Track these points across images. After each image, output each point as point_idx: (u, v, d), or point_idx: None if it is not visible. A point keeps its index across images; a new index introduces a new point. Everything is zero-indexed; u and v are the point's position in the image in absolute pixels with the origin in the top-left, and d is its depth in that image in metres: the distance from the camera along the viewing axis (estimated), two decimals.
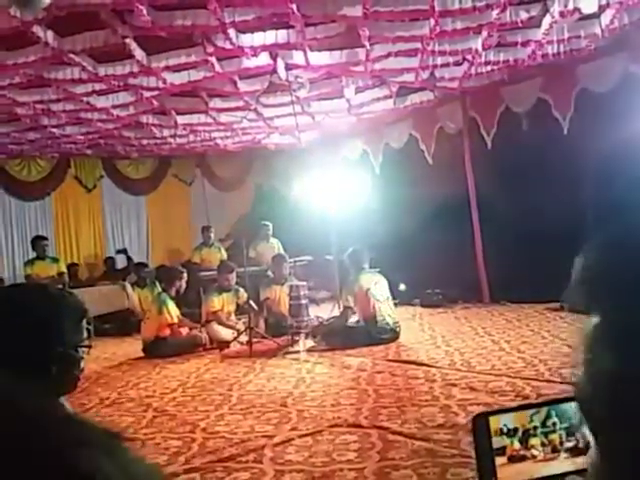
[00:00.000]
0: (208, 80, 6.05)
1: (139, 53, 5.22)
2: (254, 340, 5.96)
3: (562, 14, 4.91)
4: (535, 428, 0.88)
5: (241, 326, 6.48)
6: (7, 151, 8.73)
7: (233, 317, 6.80)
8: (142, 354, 6.22)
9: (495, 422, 0.86)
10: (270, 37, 5.13)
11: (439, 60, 5.97)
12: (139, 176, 10.54)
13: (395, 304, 6.40)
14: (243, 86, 6.45)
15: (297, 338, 6.04)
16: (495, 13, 4.82)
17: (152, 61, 5.46)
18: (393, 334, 5.84)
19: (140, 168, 10.52)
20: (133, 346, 6.71)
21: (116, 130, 7.96)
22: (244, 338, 6.15)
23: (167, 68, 5.64)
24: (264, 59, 5.62)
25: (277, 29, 5.04)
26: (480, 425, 0.84)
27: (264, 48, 5.31)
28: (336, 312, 6.79)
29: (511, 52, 5.93)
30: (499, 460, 0.85)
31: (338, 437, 3.23)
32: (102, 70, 5.54)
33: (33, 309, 1.25)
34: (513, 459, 0.87)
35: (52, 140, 8.27)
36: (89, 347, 1.37)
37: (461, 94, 7.43)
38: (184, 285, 6.58)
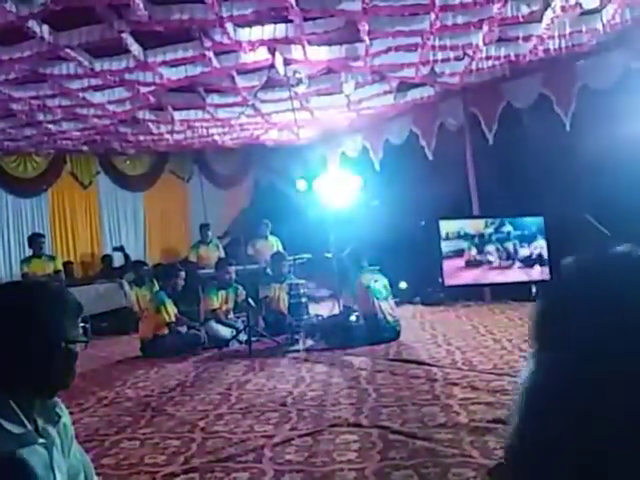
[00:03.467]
0: (205, 75, 5.99)
1: (135, 48, 5.16)
2: (253, 339, 5.90)
3: (564, 9, 4.86)
4: (490, 235, 0.86)
5: (240, 325, 6.42)
6: (3, 147, 8.66)
7: (232, 315, 6.75)
8: (140, 353, 6.17)
9: (449, 227, 0.83)
10: (268, 31, 5.06)
11: (439, 55, 5.91)
12: (136, 172, 10.45)
13: (396, 302, 6.35)
14: (241, 81, 6.38)
15: (297, 337, 6.00)
16: (496, 7, 4.76)
17: (149, 56, 5.39)
18: (394, 333, 5.79)
19: (137, 164, 10.43)
20: (131, 345, 6.65)
21: (112, 126, 7.89)
22: (243, 337, 6.10)
23: (164, 63, 5.57)
24: (262, 54, 5.56)
25: (275, 23, 4.97)
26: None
27: (262, 43, 5.24)
28: (336, 310, 6.74)
29: (512, 47, 5.88)
30: (457, 263, 0.83)
31: (338, 437, 3.18)
32: (98, 65, 5.47)
33: (33, 305, 1.25)
34: (470, 264, 0.85)
35: (48, 136, 8.19)
36: (86, 342, 1.37)
37: (462, 89, 7.37)
38: (181, 283, 6.47)
